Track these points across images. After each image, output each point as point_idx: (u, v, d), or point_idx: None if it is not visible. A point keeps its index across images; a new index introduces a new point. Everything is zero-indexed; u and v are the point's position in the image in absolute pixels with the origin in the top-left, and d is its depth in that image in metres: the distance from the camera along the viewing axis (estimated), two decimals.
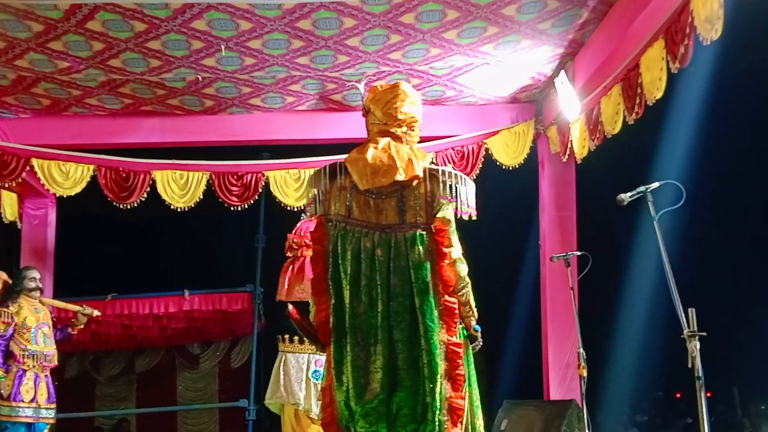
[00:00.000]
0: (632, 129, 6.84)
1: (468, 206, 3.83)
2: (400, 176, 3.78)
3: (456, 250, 3.80)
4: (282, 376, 6.14)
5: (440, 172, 3.83)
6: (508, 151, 8.68)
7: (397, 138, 3.94)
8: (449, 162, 8.59)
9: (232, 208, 8.71)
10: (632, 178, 5.38)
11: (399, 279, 3.73)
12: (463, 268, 3.81)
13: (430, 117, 8.75)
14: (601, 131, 7.25)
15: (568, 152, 8.06)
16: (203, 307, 10.96)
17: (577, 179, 8.72)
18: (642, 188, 4.68)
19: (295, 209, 8.57)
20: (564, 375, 8.24)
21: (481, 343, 4.07)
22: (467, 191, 3.84)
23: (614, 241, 11.15)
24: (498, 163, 8.70)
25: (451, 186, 3.79)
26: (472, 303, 3.91)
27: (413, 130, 4.00)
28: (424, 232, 3.78)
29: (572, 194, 8.73)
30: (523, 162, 8.70)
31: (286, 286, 6.04)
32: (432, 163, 8.12)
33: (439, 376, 3.67)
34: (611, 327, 12.31)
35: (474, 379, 4.00)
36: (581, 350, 6.30)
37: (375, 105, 4.03)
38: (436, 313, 3.72)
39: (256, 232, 10.67)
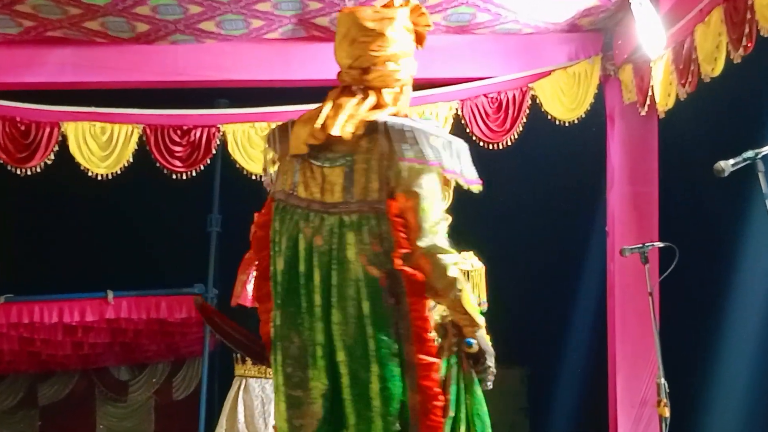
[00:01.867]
0: (738, 71, 6.82)
1: (455, 173, 3.78)
2: (312, 139, 3.78)
3: (431, 237, 3.73)
4: (242, 408, 6.16)
5: (399, 126, 3.77)
6: (564, 101, 8.70)
7: (346, 90, 3.92)
8: (481, 114, 8.59)
9: (174, 177, 8.73)
10: (736, 139, 5.37)
11: (342, 277, 3.70)
12: (446, 260, 3.74)
13: (455, 50, 8.84)
14: (694, 73, 7.23)
15: (647, 103, 8.06)
16: (134, 315, 10.99)
17: (660, 140, 8.73)
18: (750, 153, 4.66)
19: (262, 178, 8.58)
20: (638, 415, 8.29)
21: (491, 368, 4.01)
22: (448, 153, 3.79)
23: (711, 228, 11.13)
24: (549, 117, 8.72)
25: (418, 144, 3.74)
26: (469, 307, 3.84)
27: (369, 73, 3.93)
28: (371, 214, 3.74)
29: (653, 161, 8.75)
30: (584, 116, 8.72)
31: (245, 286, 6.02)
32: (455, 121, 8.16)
33: (394, 410, 3.64)
34: (706, 348, 12.32)
35: (483, 418, 3.99)
36: (662, 381, 6.31)
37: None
38: (393, 322, 3.68)
39: (209, 210, 10.67)
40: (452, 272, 3.70)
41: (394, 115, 3.84)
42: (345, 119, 3.75)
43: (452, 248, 3.73)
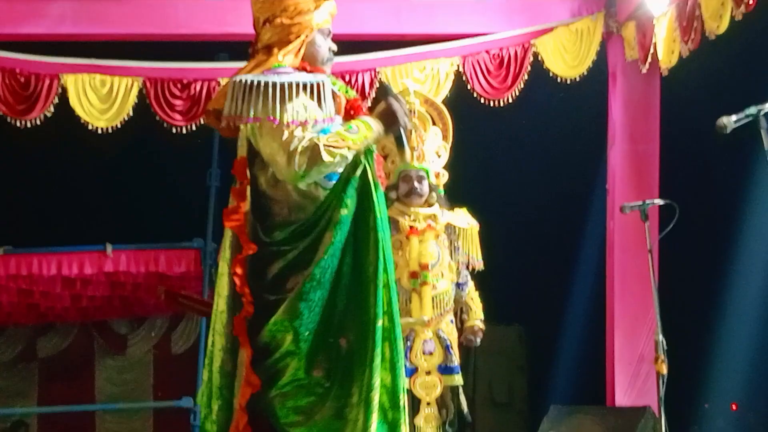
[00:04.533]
0: (740, 28, 6.79)
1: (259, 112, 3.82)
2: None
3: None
4: None
5: (231, 83, 3.89)
6: (566, 58, 8.68)
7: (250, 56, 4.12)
8: (482, 70, 8.58)
9: (174, 130, 8.72)
10: (739, 96, 5.34)
11: None
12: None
13: (457, 6, 8.80)
14: (698, 30, 7.21)
15: (650, 60, 8.04)
16: (132, 268, 10.96)
17: (662, 98, 8.73)
18: (752, 110, 4.66)
19: None
20: (635, 372, 8.32)
21: None
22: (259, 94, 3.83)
23: (712, 185, 11.14)
24: (551, 75, 8.71)
25: (241, 96, 3.83)
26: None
27: (262, 33, 4.06)
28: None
29: (654, 119, 8.75)
30: (586, 73, 8.70)
31: None
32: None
33: None
34: (705, 305, 12.32)
35: None
36: (660, 338, 6.32)
37: None
38: None
39: (209, 165, 10.64)
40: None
41: (300, 68, 3.98)
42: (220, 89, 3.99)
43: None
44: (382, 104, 3.96)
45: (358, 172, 3.86)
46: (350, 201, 3.82)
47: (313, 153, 3.70)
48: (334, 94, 3.97)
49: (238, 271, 3.89)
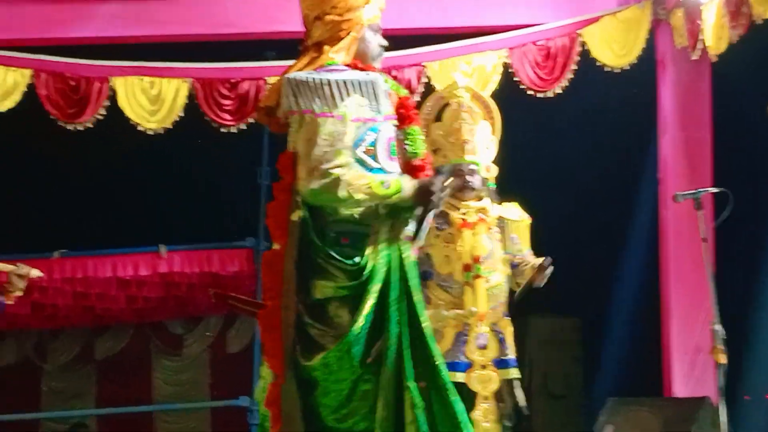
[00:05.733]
0: None
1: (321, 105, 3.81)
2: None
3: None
4: None
5: (287, 80, 3.88)
6: (614, 47, 8.65)
7: (300, 53, 4.10)
8: (530, 62, 8.56)
9: (224, 130, 8.74)
10: None
11: None
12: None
13: None
14: (746, 15, 7.16)
15: (699, 47, 7.97)
16: (186, 268, 11.03)
17: (713, 85, 8.68)
18: None
19: None
20: (693, 362, 8.29)
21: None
22: (312, 90, 3.84)
23: (765, 171, 11.03)
24: (599, 64, 8.67)
25: (293, 92, 3.84)
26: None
27: (313, 30, 4.06)
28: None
29: (705, 106, 8.71)
30: (635, 62, 8.66)
31: None
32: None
33: None
34: (762, 294, 12.21)
35: None
36: (718, 327, 6.25)
37: None
38: None
39: (259, 163, 10.66)
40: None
41: (352, 65, 3.98)
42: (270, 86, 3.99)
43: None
44: (428, 180, 3.94)
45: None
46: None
47: (332, 183, 3.72)
48: (386, 92, 3.96)
49: (268, 267, 3.92)
